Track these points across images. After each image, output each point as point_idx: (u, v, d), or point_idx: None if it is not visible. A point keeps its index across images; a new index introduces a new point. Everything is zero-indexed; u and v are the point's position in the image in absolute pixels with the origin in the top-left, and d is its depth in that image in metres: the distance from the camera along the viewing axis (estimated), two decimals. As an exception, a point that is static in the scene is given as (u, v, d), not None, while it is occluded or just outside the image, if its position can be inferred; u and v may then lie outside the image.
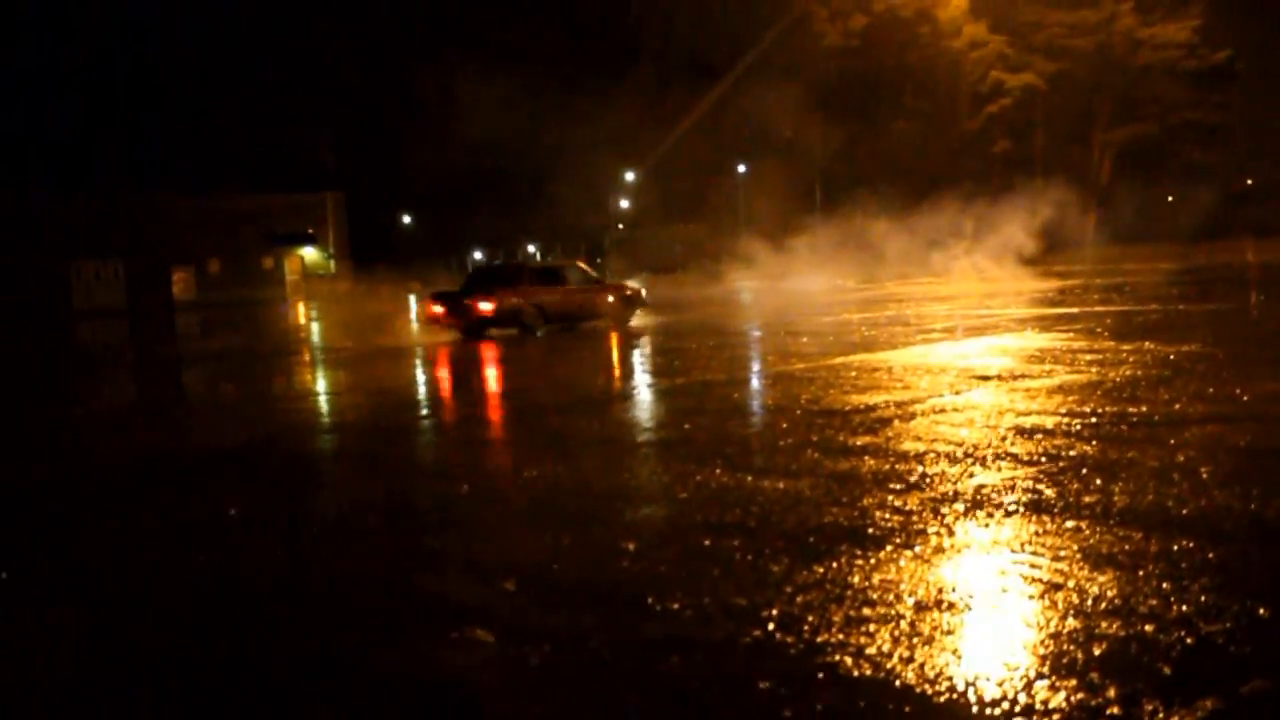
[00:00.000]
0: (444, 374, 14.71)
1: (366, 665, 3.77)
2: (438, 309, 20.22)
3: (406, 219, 70.53)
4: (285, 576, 4.93)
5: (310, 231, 57.66)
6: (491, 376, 14.08)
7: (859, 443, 7.11)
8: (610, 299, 20.74)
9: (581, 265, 23.06)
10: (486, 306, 19.14)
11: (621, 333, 19.31)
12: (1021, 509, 5.19)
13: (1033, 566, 4.32)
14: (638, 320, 21.31)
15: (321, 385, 14.28)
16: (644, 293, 21.90)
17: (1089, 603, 3.88)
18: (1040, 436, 6.95)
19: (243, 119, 54.75)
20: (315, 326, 30.51)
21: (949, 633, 3.70)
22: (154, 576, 5.04)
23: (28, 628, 4.46)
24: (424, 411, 11.04)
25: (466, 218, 61.94)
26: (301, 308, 44.89)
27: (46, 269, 49.13)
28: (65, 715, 3.59)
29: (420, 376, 14.77)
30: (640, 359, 15.02)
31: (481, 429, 9.61)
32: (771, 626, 3.81)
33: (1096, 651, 3.45)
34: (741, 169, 56.09)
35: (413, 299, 40.62)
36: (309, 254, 57.93)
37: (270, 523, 6.03)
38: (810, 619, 3.86)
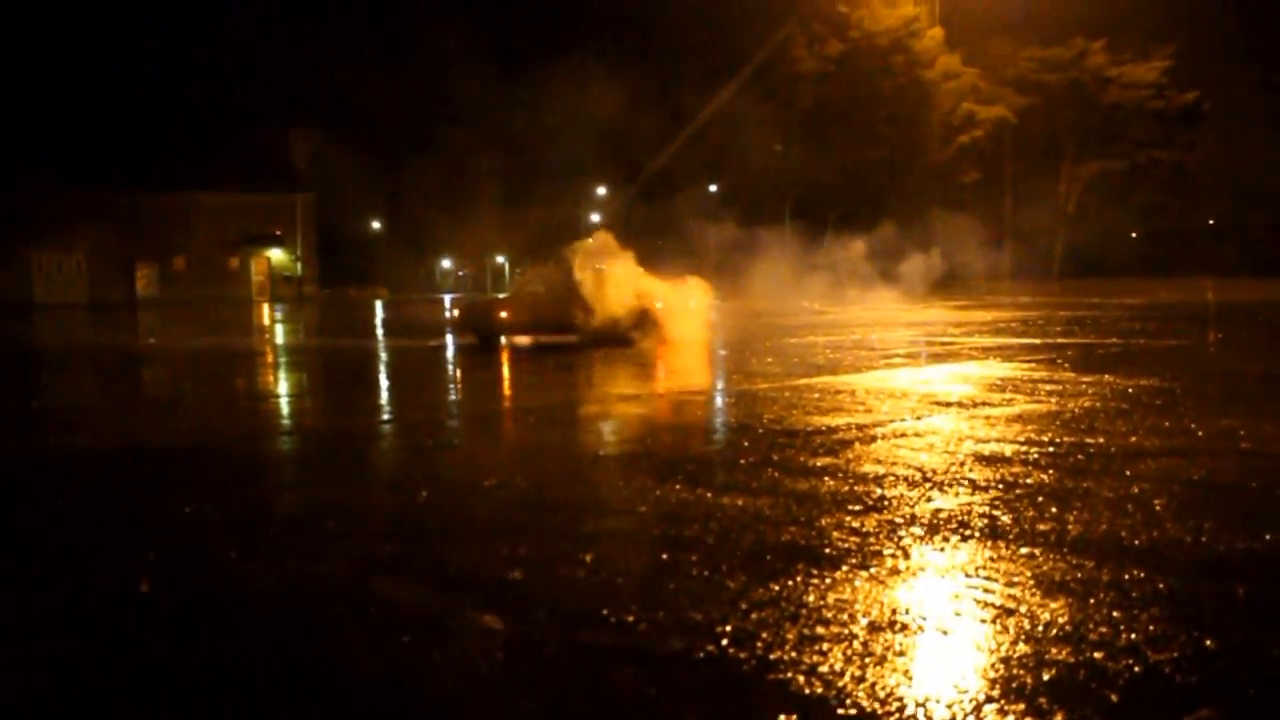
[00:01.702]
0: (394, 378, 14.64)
1: (323, 668, 3.73)
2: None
3: (376, 224, 70.17)
4: (239, 578, 4.88)
5: (278, 233, 57.22)
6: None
7: (819, 463, 7.13)
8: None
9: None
10: None
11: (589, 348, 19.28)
12: (977, 534, 5.22)
13: (986, 591, 4.35)
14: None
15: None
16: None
17: (1040, 629, 3.91)
18: (998, 464, 7.01)
19: (214, 117, 54.30)
20: (280, 328, 30.29)
21: (901, 654, 3.71)
22: (106, 570, 4.97)
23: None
24: (381, 418, 10.97)
25: (436, 226, 61.69)
26: (266, 309, 44.55)
27: (7, 261, 48.50)
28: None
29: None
30: (606, 374, 15.01)
31: (443, 436, 9.56)
32: (725, 642, 3.81)
33: (1046, 677, 3.48)
34: (713, 188, 56.32)
35: (379, 305, 40.38)
36: (276, 255, 57.50)
37: (224, 520, 5.97)
38: (764, 636, 3.86)
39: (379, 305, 40.15)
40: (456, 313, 21.20)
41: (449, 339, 20.35)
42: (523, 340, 19.71)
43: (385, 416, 11.15)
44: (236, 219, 55.82)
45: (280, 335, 27.62)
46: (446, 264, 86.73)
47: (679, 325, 19.17)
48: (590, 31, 52.61)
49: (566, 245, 20.35)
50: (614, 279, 19.16)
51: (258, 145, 56.02)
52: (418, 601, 4.44)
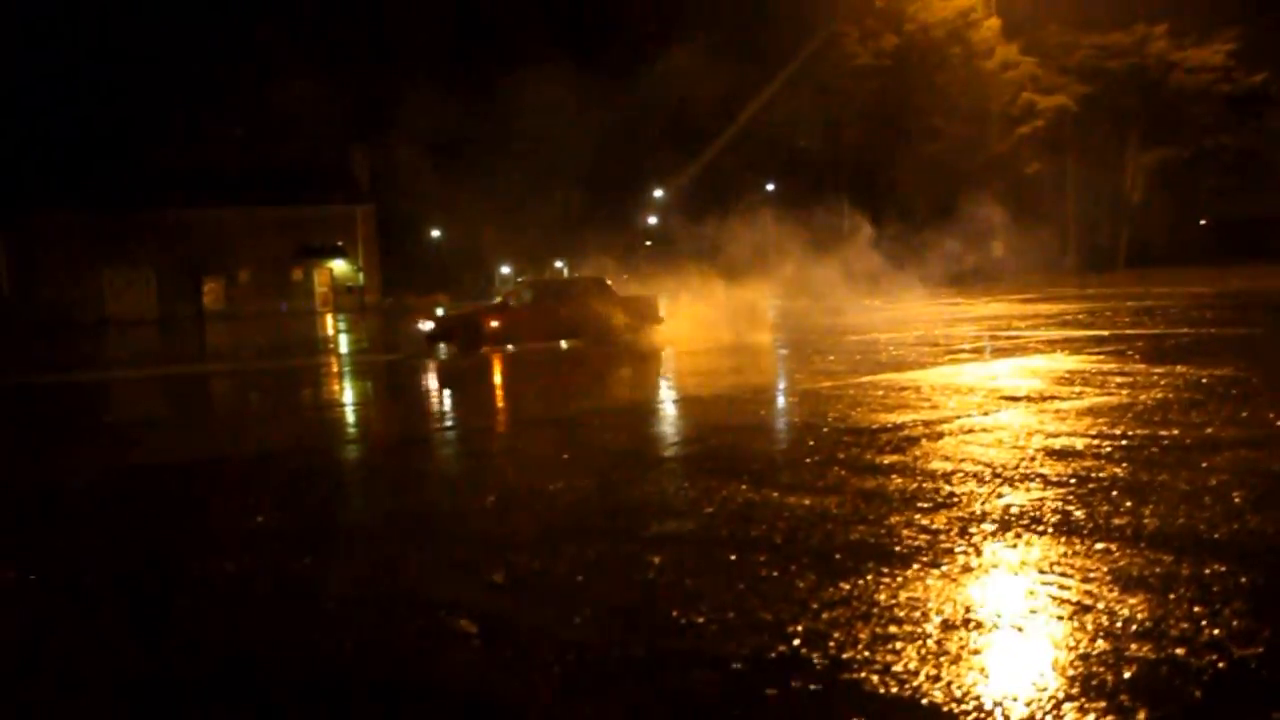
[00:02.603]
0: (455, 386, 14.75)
1: (394, 672, 3.78)
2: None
3: (435, 233, 70.83)
4: (311, 582, 4.95)
5: (340, 244, 58.03)
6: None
7: (886, 461, 7.07)
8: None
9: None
10: None
11: (641, 348, 19.32)
12: (1050, 530, 5.14)
13: (1061, 588, 4.28)
14: (668, 335, 21.30)
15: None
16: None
17: (1119, 625, 3.84)
18: (1070, 458, 6.89)
19: (276, 132, 55.30)
20: (344, 339, 30.69)
21: (976, 652, 3.67)
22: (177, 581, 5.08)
23: (52, 632, 4.49)
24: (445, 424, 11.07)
25: (495, 234, 62.14)
26: (329, 319, 45.18)
27: (80, 279, 49.74)
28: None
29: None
30: (667, 375, 15.01)
31: (502, 441, 9.63)
32: (797, 642, 3.79)
33: (1127, 674, 3.42)
34: (770, 187, 56.10)
35: (440, 311, 40.77)
36: (338, 266, 58.29)
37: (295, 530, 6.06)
38: (836, 635, 3.84)
39: (439, 313, 40.52)
40: (431, 324, 21.41)
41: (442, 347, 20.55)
42: (508, 347, 20.48)
43: (447, 423, 11.24)
44: (299, 231, 56.68)
45: (341, 346, 27.96)
46: (505, 270, 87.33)
47: (664, 329, 21.18)
48: (643, 34, 52.64)
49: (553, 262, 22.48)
50: (599, 291, 21.27)
51: (319, 158, 56.90)
52: (485, 605, 4.47)
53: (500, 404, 12.90)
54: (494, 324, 20.56)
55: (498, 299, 24.93)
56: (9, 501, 7.54)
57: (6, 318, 45.59)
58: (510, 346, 20.60)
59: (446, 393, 14.31)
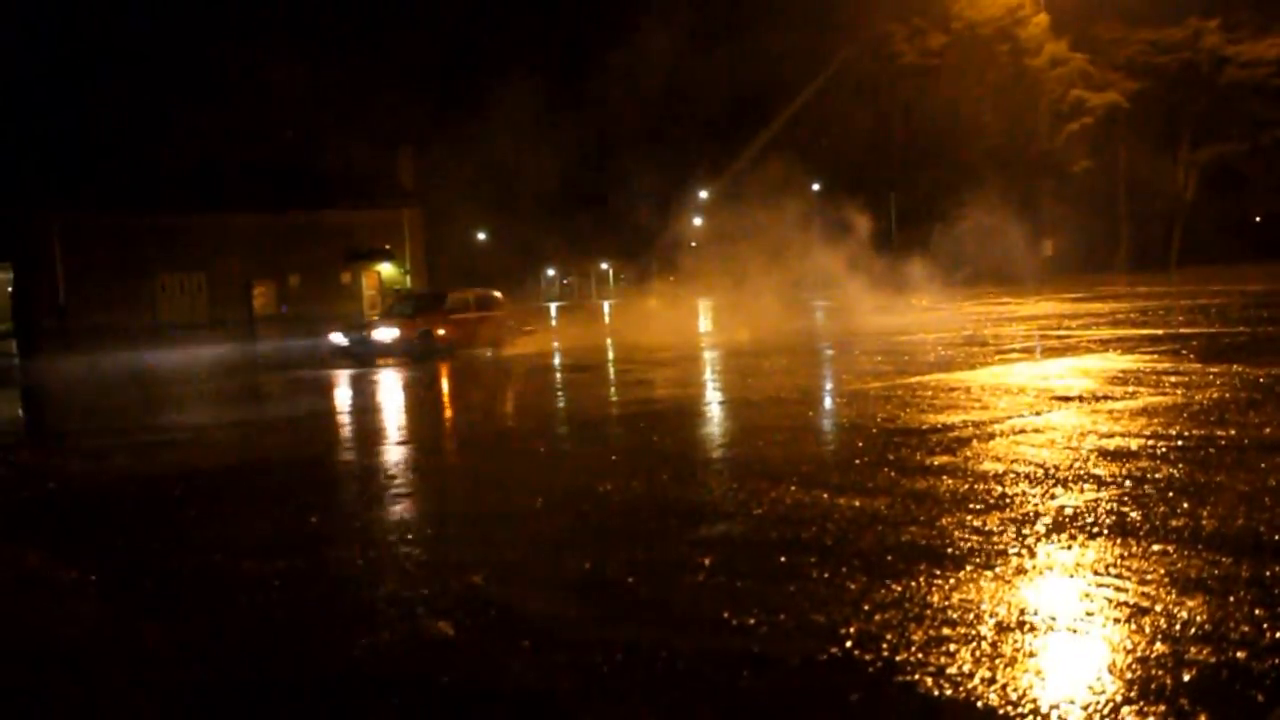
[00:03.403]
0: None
1: (445, 672, 3.81)
2: None
3: (481, 235, 71.26)
4: (365, 584, 5.00)
5: (388, 247, 58.51)
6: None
7: (936, 462, 7.02)
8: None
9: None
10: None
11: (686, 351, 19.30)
12: (1105, 531, 5.08)
13: (1118, 590, 4.23)
14: (719, 336, 21.29)
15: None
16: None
17: (1178, 628, 3.78)
18: (1124, 459, 6.80)
19: (323, 137, 55.90)
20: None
21: (1031, 655, 3.63)
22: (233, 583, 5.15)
23: (118, 626, 4.57)
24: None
25: (540, 236, 62.42)
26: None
27: (133, 285, 50.55)
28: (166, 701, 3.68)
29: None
30: (713, 375, 15.00)
31: (552, 443, 9.66)
32: (850, 644, 3.77)
33: (1186, 678, 3.37)
34: (815, 187, 55.85)
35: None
36: (386, 269, 58.78)
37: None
38: (889, 637, 3.82)
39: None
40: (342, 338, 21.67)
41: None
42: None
43: (496, 423, 11.31)
44: (347, 235, 57.17)
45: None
46: (550, 272, 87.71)
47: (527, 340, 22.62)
48: (689, 31, 52.59)
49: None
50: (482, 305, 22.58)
51: (366, 162, 57.39)
52: (536, 607, 4.49)
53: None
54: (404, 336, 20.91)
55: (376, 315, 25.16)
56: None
57: (64, 328, 46.45)
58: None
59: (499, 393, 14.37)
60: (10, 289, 55.47)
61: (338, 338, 21.49)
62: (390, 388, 16.15)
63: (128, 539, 6.32)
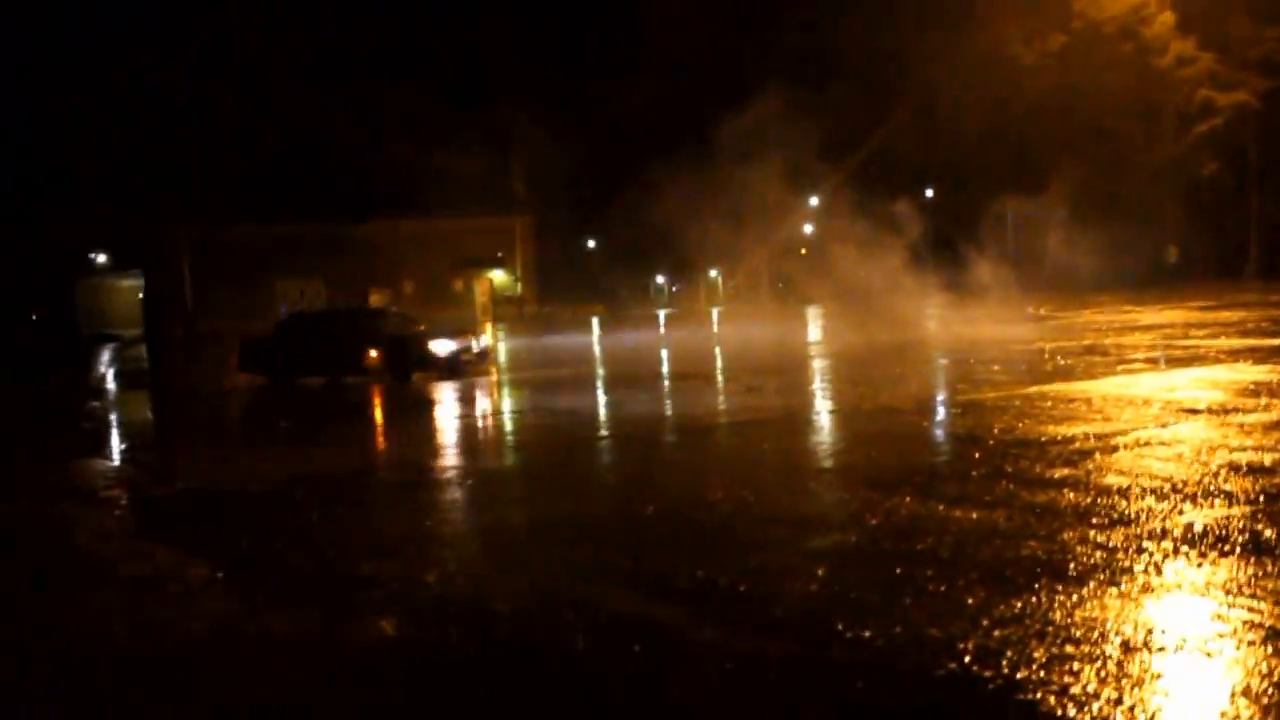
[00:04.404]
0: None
1: (558, 675, 3.85)
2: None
3: (592, 243, 71.85)
4: (483, 586, 5.08)
5: (499, 255, 59.46)
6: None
7: (1057, 475, 6.84)
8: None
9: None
10: None
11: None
12: (1238, 550, 4.89)
13: (1252, 611, 4.06)
14: (828, 343, 21.09)
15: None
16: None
17: (1318, 652, 3.62)
18: (1258, 474, 6.53)
19: (437, 146, 57.17)
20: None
21: (1159, 676, 3.51)
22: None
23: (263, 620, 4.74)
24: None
25: (650, 244, 62.63)
26: (489, 329, 46.29)
27: (253, 290, 52.30)
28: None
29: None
30: (823, 382, 14.87)
31: (664, 449, 9.69)
32: (968, 659, 3.70)
33: (1328, 705, 3.22)
34: (929, 193, 54.97)
35: (595, 322, 41.45)
36: (498, 277, 59.69)
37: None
38: (1009, 654, 3.73)
39: (595, 322, 41.35)
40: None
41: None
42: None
43: (604, 431, 11.37)
44: (460, 243, 58.30)
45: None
46: (660, 280, 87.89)
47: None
48: (802, 40, 52.23)
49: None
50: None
51: (479, 171, 58.42)
52: (650, 612, 4.51)
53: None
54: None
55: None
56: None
57: (191, 334, 48.29)
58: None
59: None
60: (141, 296, 57.90)
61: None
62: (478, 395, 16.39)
63: (252, 537, 6.53)
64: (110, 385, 23.33)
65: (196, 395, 19.01)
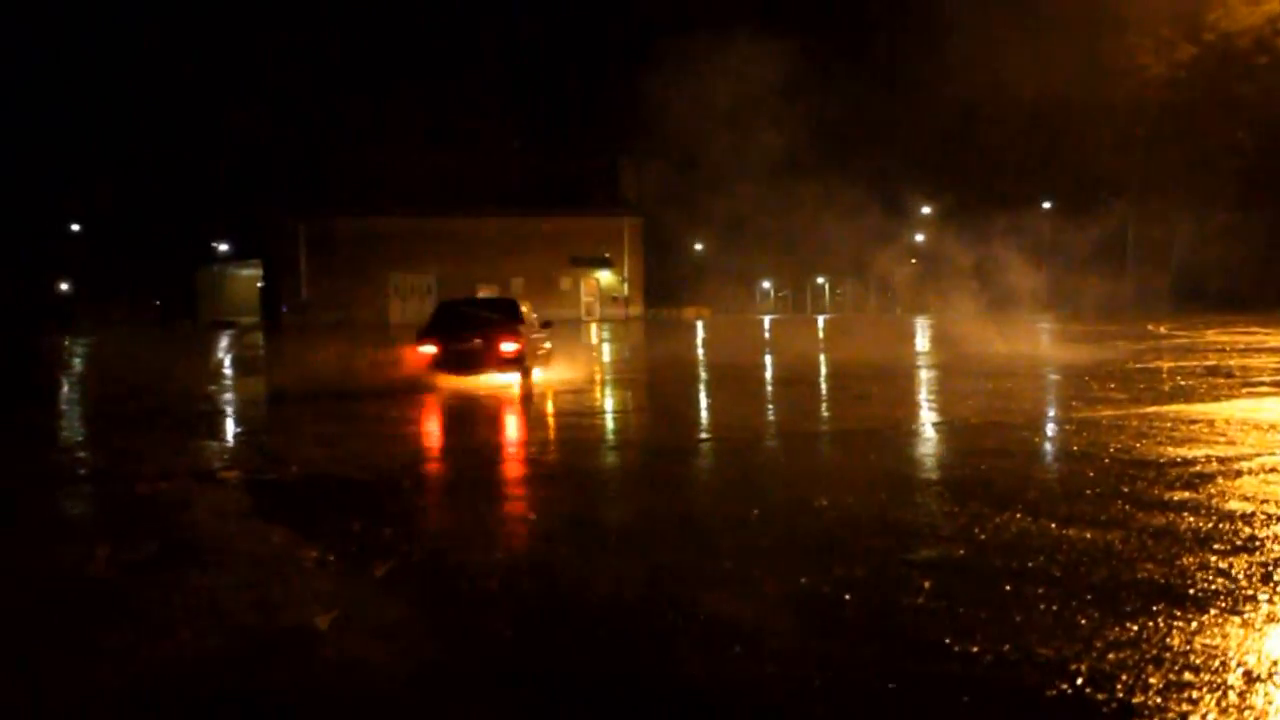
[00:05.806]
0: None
1: (655, 676, 3.86)
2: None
3: (699, 246, 71.84)
4: (580, 586, 5.12)
5: (607, 255, 59.88)
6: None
7: (1176, 498, 6.61)
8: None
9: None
10: None
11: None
12: (1372, 584, 4.67)
13: (1388, 648, 3.88)
14: (937, 354, 20.75)
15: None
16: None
17: None
18: (1394, 506, 6.22)
19: (548, 147, 57.86)
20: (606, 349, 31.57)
21: (1286, 710, 3.37)
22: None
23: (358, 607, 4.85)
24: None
25: (756, 248, 62.38)
26: (594, 328, 46.62)
27: (368, 284, 53.63)
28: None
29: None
30: (931, 394, 14.63)
31: (767, 455, 9.65)
32: (1080, 681, 3.60)
33: None
34: (1047, 205, 53.70)
35: (699, 323, 41.40)
36: (605, 277, 60.10)
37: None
38: (1124, 678, 3.62)
39: (699, 324, 41.29)
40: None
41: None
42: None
43: (704, 435, 11.36)
44: (568, 242, 58.90)
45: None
46: (766, 285, 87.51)
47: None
48: (918, 49, 51.41)
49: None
50: None
51: (589, 172, 58.93)
52: (748, 616, 4.49)
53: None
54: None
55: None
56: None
57: (305, 322, 49.70)
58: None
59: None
60: (260, 285, 59.88)
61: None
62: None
63: (362, 521, 6.67)
64: (229, 371, 24.07)
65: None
